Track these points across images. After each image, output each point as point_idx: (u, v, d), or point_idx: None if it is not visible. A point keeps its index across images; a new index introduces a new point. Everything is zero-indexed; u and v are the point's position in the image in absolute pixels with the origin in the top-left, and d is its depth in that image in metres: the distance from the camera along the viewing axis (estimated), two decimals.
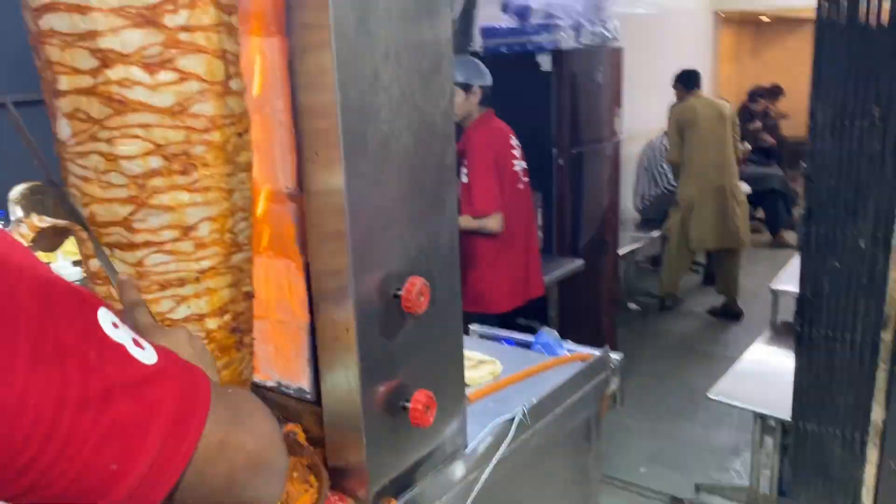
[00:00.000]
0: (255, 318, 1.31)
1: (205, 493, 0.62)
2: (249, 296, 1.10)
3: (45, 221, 1.00)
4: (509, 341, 1.96)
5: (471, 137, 3.12)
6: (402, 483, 1.20)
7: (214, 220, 1.01)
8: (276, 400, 1.34)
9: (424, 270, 1.17)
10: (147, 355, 0.59)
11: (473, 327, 2.08)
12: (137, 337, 0.60)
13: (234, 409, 0.66)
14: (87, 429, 0.53)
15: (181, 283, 1.01)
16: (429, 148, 1.17)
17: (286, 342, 1.28)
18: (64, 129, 0.92)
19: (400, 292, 1.12)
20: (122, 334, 0.59)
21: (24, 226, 0.99)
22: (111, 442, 0.54)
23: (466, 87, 3.11)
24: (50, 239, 1.03)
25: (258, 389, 1.36)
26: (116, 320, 0.60)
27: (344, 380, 1.11)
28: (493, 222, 3.10)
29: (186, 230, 0.99)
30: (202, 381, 0.63)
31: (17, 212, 1.00)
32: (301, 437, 1.29)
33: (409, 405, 1.16)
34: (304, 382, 1.28)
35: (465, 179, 3.09)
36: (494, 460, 1.34)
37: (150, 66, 0.89)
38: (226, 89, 0.96)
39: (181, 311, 1.02)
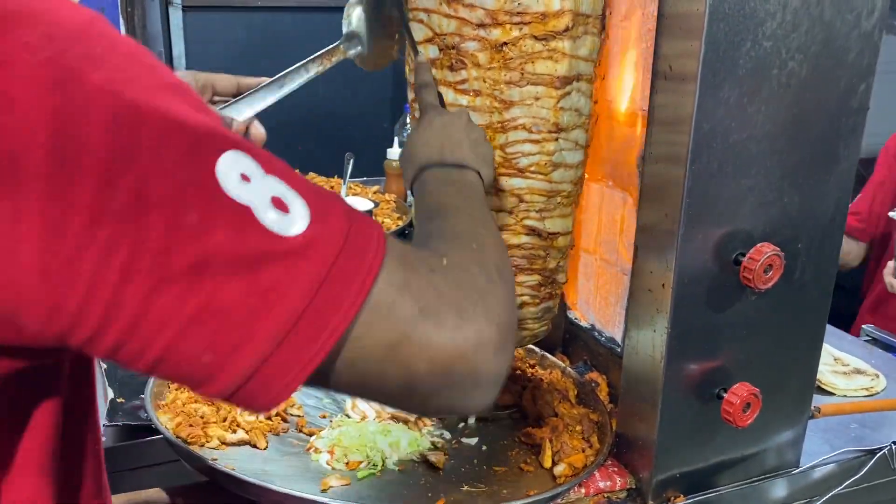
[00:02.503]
0: (583, 250, 1.20)
1: (380, 394, 0.52)
2: (534, 231, 0.96)
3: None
4: None
5: None
6: (697, 481, 1.00)
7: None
8: (588, 344, 1.22)
9: (786, 239, 0.92)
10: (289, 222, 0.45)
11: (868, 328, 1.67)
12: (286, 188, 0.46)
13: (428, 299, 0.50)
14: (165, 310, 0.42)
15: None
16: (830, 80, 0.89)
17: (607, 284, 1.15)
18: None
19: (742, 258, 0.89)
20: (253, 192, 0.44)
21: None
22: (200, 331, 0.43)
23: None
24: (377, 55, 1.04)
25: (572, 328, 1.26)
26: (252, 168, 0.45)
27: (649, 341, 0.94)
28: None
29: None
30: (371, 262, 0.48)
31: (344, 26, 1.02)
32: (602, 392, 1.17)
33: (725, 396, 0.94)
34: (616, 332, 1.14)
35: None
36: (830, 494, 1.05)
37: None
38: None
39: None
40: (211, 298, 0.43)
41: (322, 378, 0.48)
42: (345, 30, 1.01)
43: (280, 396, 0.46)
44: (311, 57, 1.02)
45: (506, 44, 0.85)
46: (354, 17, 1.01)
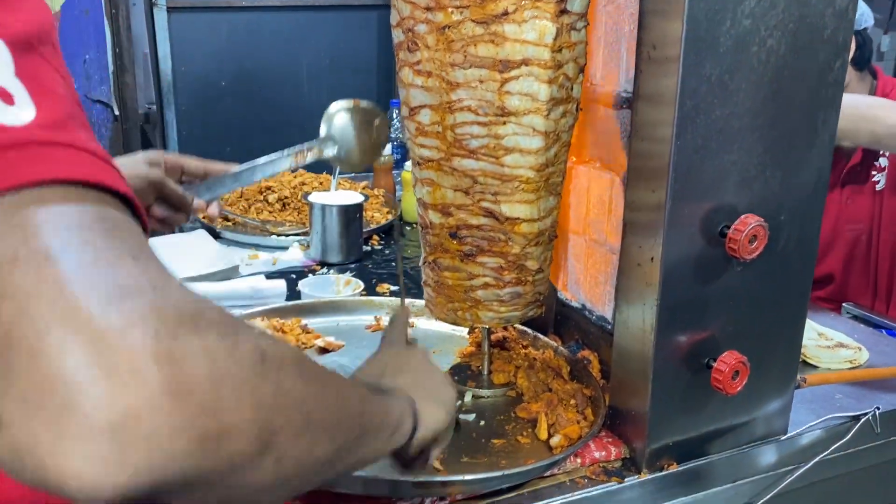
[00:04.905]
0: (572, 232, 1.23)
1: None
2: (491, 214, 0.99)
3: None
4: (892, 332, 1.57)
5: None
6: (690, 449, 1.03)
7: (434, 111, 0.94)
8: (579, 323, 1.25)
9: (769, 211, 0.95)
10: (13, 112, 0.40)
11: (847, 306, 1.71)
12: (14, 87, 0.41)
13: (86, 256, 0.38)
14: None
15: (413, 161, 1.02)
16: (808, 56, 0.92)
17: (596, 264, 1.18)
18: None
19: (727, 230, 0.93)
20: None
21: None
22: None
23: None
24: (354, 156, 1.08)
25: (563, 308, 1.29)
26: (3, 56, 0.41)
27: (639, 315, 0.97)
28: None
29: (411, 111, 0.96)
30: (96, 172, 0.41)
31: (323, 128, 1.06)
32: (594, 369, 1.20)
33: (714, 364, 0.97)
34: (606, 311, 1.17)
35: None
36: (817, 459, 1.08)
37: None
38: None
39: (417, 189, 1.04)
40: None
41: None
42: (322, 132, 1.05)
43: None
44: (286, 151, 1.05)
45: (448, 27, 0.88)
46: (336, 124, 1.05)
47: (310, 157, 1.06)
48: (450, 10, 0.88)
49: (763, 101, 0.91)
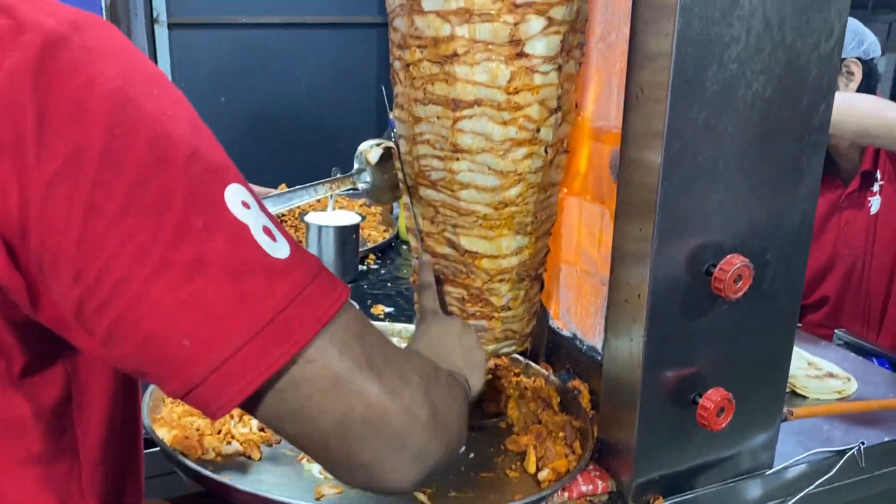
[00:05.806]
0: (564, 261, 1.24)
1: (311, 429, 0.57)
2: (452, 244, 1.01)
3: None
4: (882, 361, 1.58)
5: None
6: (677, 483, 1.04)
7: (406, 141, 1.00)
8: (570, 352, 1.26)
9: (754, 251, 0.96)
10: (276, 248, 0.54)
11: (839, 333, 1.72)
12: (274, 227, 0.55)
13: (376, 357, 0.58)
14: (162, 293, 0.50)
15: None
16: (793, 100, 0.93)
17: (587, 294, 1.19)
18: None
19: (713, 269, 0.94)
20: (250, 217, 0.54)
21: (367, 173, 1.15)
22: (186, 316, 0.51)
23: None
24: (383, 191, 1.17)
25: (555, 336, 1.30)
26: (251, 201, 0.55)
27: (626, 349, 0.98)
28: None
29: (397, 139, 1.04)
30: (335, 300, 0.56)
31: (356, 163, 1.15)
32: (584, 399, 1.21)
33: (700, 401, 0.99)
34: (597, 341, 1.18)
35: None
36: (802, 493, 1.09)
37: None
38: (417, 9, 0.89)
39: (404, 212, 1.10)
40: (201, 291, 0.51)
41: (269, 396, 0.55)
42: (356, 165, 1.13)
43: (233, 400, 0.53)
44: (323, 180, 1.14)
45: (411, 64, 0.93)
46: (369, 157, 1.13)
47: (344, 187, 1.14)
48: (413, 48, 0.93)
49: (749, 143, 0.92)
